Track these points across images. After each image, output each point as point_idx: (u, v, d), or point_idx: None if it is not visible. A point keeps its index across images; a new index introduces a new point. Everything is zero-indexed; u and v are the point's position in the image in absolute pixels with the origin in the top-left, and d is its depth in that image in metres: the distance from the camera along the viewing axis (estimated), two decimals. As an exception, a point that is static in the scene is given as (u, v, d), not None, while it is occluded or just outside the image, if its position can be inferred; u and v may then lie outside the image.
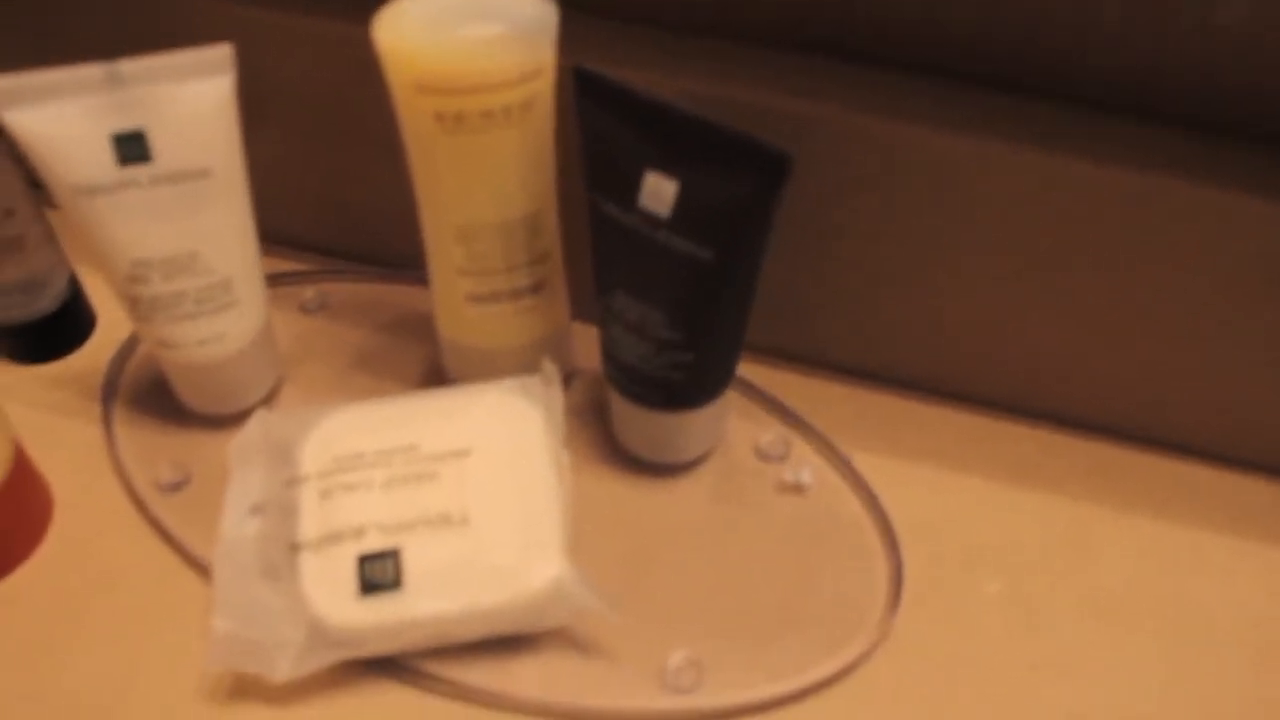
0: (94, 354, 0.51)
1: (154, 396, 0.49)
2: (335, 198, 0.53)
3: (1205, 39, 0.39)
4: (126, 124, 0.39)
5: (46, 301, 0.49)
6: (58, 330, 0.51)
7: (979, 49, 0.42)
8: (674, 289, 0.39)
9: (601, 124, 0.38)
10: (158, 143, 0.40)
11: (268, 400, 0.48)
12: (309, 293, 0.54)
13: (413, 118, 0.39)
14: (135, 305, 0.43)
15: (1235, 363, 0.44)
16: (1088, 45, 0.40)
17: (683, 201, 0.37)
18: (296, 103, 0.49)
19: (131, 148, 0.39)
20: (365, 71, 0.39)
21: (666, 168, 0.37)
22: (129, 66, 0.39)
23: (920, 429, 0.49)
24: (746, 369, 0.49)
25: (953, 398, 0.50)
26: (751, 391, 0.50)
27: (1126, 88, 0.41)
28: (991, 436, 0.49)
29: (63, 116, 0.39)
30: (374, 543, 0.39)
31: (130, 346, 0.51)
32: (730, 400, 0.46)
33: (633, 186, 0.37)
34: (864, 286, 0.47)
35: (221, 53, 0.40)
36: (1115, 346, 0.45)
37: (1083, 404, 0.48)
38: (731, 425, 0.48)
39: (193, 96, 0.40)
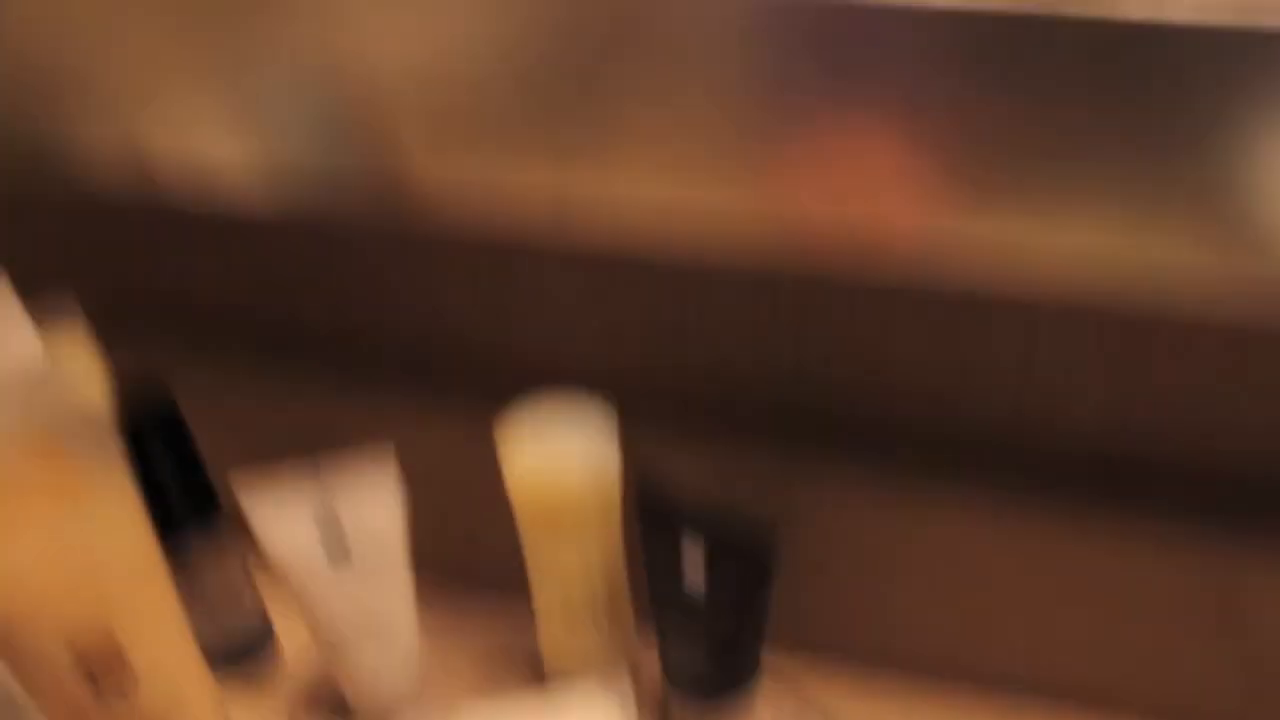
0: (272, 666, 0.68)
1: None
2: (462, 556, 0.71)
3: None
4: (332, 521, 0.57)
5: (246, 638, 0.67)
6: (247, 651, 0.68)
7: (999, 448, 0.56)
8: (708, 640, 0.56)
9: (658, 545, 0.55)
10: (352, 537, 0.57)
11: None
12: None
13: (525, 520, 0.57)
14: (326, 649, 0.60)
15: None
16: (1071, 435, 0.53)
17: (712, 587, 0.54)
18: (436, 476, 0.66)
19: (334, 539, 0.57)
20: (492, 463, 0.56)
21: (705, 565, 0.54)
22: (336, 478, 0.56)
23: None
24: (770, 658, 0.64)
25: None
26: (775, 676, 0.65)
27: (1105, 481, 0.54)
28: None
29: (286, 513, 0.56)
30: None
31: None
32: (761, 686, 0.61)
33: (679, 577, 0.54)
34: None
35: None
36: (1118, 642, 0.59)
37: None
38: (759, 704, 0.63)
39: (381, 505, 0.57)
